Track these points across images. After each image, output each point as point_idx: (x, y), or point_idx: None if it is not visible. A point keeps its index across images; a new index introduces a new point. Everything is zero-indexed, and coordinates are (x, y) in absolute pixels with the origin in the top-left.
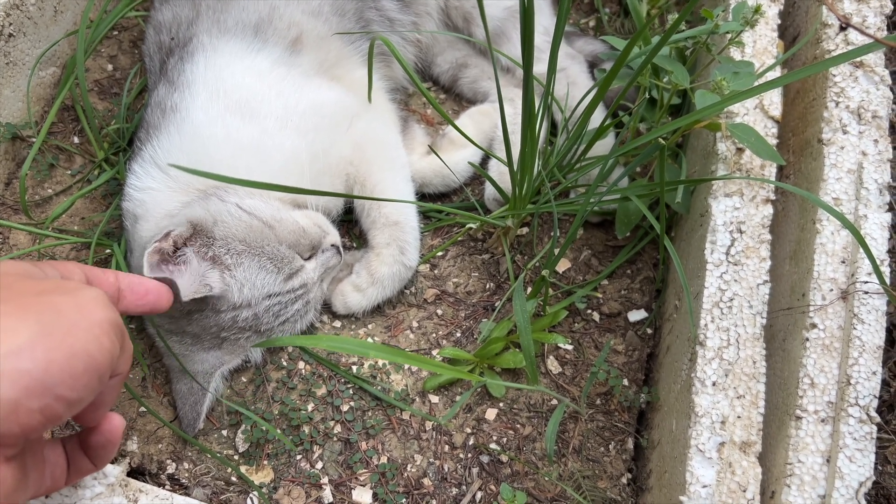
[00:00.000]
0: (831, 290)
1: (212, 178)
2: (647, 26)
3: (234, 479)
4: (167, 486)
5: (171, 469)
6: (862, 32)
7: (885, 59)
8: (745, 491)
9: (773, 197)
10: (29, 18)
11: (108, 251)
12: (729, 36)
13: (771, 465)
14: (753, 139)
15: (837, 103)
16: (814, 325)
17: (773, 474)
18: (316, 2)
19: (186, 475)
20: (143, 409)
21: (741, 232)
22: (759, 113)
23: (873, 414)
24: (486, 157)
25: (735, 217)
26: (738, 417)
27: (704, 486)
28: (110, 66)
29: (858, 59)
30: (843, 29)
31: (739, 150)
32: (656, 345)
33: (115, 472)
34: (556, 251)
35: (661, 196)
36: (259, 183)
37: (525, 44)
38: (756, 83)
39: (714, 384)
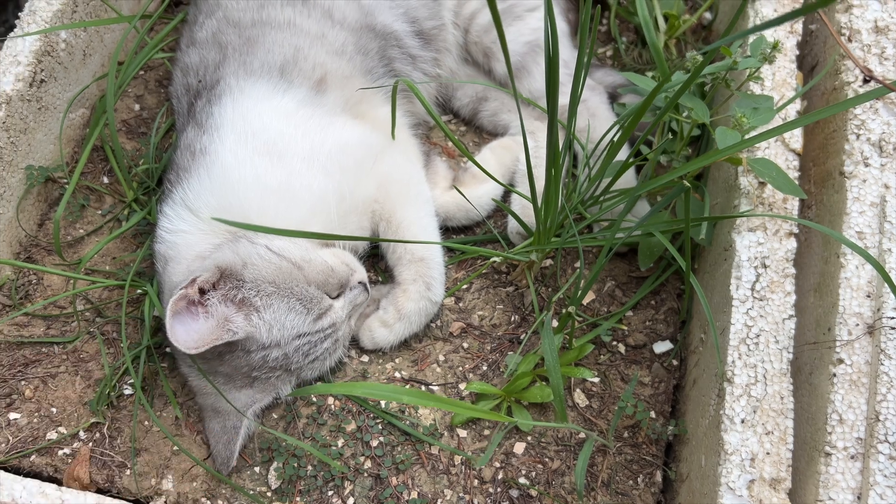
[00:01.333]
0: (857, 324)
1: (250, 228)
2: (668, 76)
3: None
4: None
5: None
6: (884, 84)
7: None
8: None
9: (796, 230)
10: (59, 63)
11: (139, 291)
12: (748, 72)
13: (801, 501)
14: (775, 174)
15: (858, 136)
16: (841, 361)
17: None
18: (339, 41)
19: None
20: (177, 448)
21: (765, 266)
22: (780, 146)
23: None
24: (507, 191)
25: (759, 252)
26: (768, 454)
27: None
28: (137, 106)
29: None
30: (866, 81)
31: (762, 184)
32: (682, 377)
33: None
34: (581, 285)
35: (685, 237)
36: (294, 231)
37: (550, 83)
38: (775, 117)
39: (743, 421)
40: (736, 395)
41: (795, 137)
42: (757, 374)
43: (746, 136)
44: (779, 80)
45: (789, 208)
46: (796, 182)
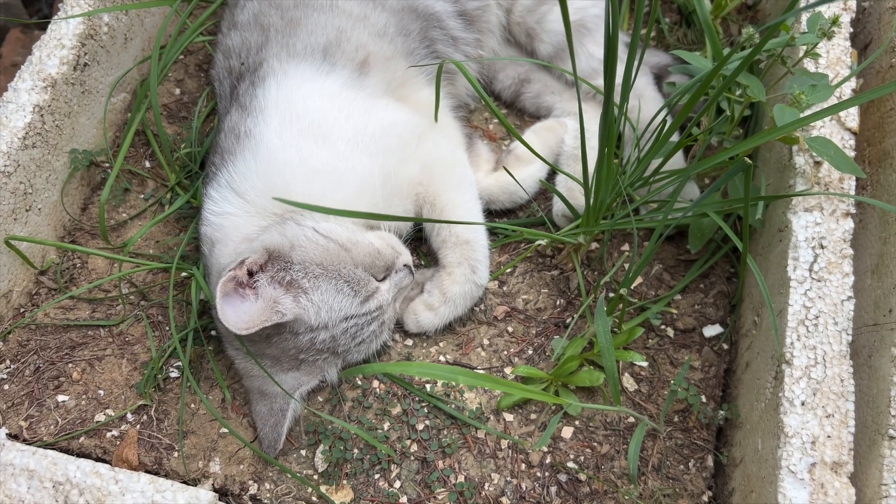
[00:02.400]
0: None
1: (307, 208)
2: (728, 55)
3: (314, 498)
4: None
5: (253, 490)
6: None
7: None
8: None
9: (853, 210)
10: (102, 47)
11: (183, 274)
12: (804, 48)
13: (864, 485)
14: (833, 152)
15: None
16: None
17: (867, 495)
18: (381, 23)
19: (268, 496)
20: (224, 430)
21: (823, 247)
22: (836, 125)
23: None
24: (552, 173)
25: (816, 232)
26: (829, 437)
27: None
28: (178, 91)
29: None
30: None
31: (817, 163)
32: (733, 360)
33: (207, 496)
34: (632, 268)
35: (745, 216)
36: (344, 211)
37: (608, 59)
38: (833, 95)
39: (803, 403)
40: (796, 378)
41: (851, 116)
42: (816, 356)
43: (803, 115)
44: (833, 57)
45: (846, 188)
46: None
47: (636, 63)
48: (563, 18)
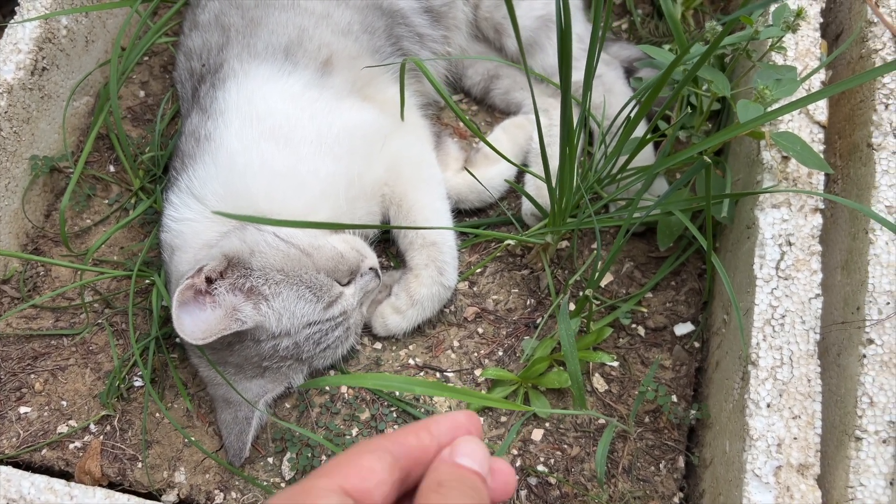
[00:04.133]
0: (888, 303)
1: (255, 221)
2: (686, 49)
3: None
4: None
5: (219, 499)
6: None
7: None
8: None
9: (821, 206)
10: (61, 51)
11: (147, 281)
12: (770, 41)
13: (830, 487)
14: (799, 147)
15: (887, 105)
16: (871, 341)
17: (834, 497)
18: (345, 21)
19: None
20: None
21: (790, 244)
22: (805, 118)
23: None
24: (522, 170)
25: (784, 229)
26: (795, 439)
27: None
28: (142, 93)
29: None
30: None
31: (785, 159)
32: (704, 359)
33: None
34: (599, 267)
35: (707, 214)
36: (300, 222)
37: (562, 56)
38: (800, 88)
39: (769, 406)
40: (761, 379)
41: (820, 109)
42: (783, 357)
43: (769, 109)
44: (802, 49)
45: (814, 183)
46: (821, 156)
47: (596, 57)
48: (510, 17)
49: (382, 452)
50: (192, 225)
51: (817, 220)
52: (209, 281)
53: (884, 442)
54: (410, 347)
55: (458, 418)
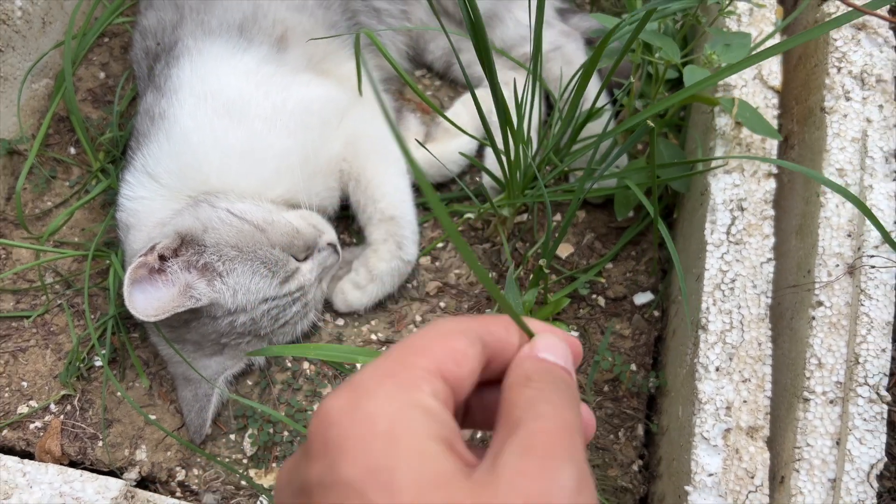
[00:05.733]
0: (837, 265)
1: None
2: (633, 15)
3: (244, 482)
4: (178, 494)
5: (180, 476)
6: (854, 6)
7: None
8: (752, 477)
9: (775, 171)
10: (17, 32)
11: (107, 262)
12: (720, 7)
13: (780, 449)
14: (748, 114)
15: (839, 69)
16: (820, 303)
17: (783, 459)
18: None
19: (196, 481)
20: (151, 417)
21: (742, 209)
22: (759, 84)
23: (884, 393)
24: (483, 145)
25: (735, 194)
26: (745, 402)
27: (710, 475)
28: (102, 74)
29: (860, 21)
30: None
31: (738, 125)
32: (664, 328)
33: (117, 485)
34: (549, 240)
35: (653, 180)
36: None
37: (479, 47)
38: (753, 53)
39: (717, 369)
40: (710, 343)
41: (774, 74)
42: (732, 321)
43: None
44: (758, 15)
45: (768, 148)
46: (776, 121)
47: (554, 27)
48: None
49: (474, 337)
50: (147, 203)
51: (770, 184)
52: (163, 259)
53: (831, 402)
54: (372, 323)
55: (541, 324)
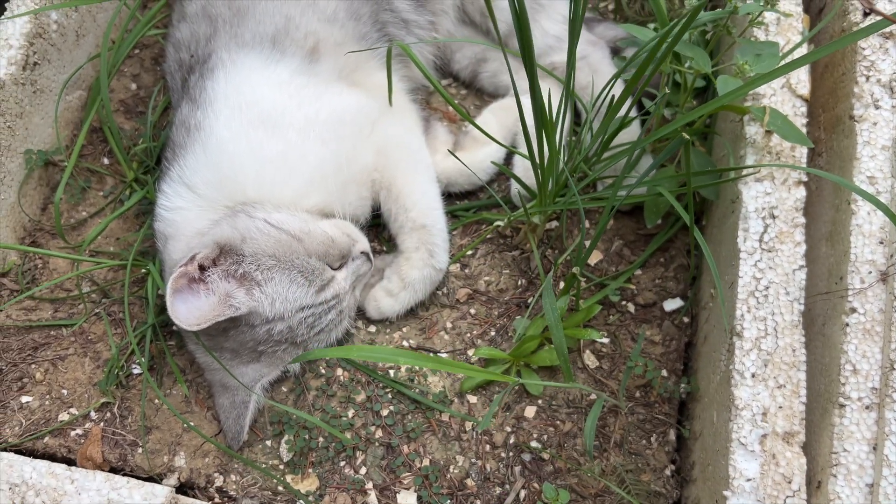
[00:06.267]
0: (870, 272)
1: None
2: (670, 27)
3: (281, 488)
4: (216, 499)
5: (218, 482)
6: (882, 15)
7: None
8: (790, 482)
9: (805, 179)
10: (52, 45)
11: (143, 271)
12: (750, 17)
13: (816, 454)
14: (780, 122)
15: (868, 77)
16: (853, 310)
17: (819, 464)
18: (331, 8)
19: (234, 487)
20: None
21: (774, 217)
22: (787, 92)
23: None
24: (511, 153)
25: (767, 203)
26: (780, 408)
27: (748, 480)
28: (134, 85)
29: (888, 30)
30: (865, 15)
31: (768, 133)
32: (694, 333)
33: (163, 492)
34: (587, 245)
35: (688, 189)
36: None
37: (524, 43)
38: (781, 63)
39: (753, 375)
40: (745, 350)
41: (802, 83)
42: (767, 327)
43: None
44: (784, 24)
45: (797, 156)
46: (804, 129)
47: (580, 36)
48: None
49: None
50: (184, 213)
51: (801, 192)
52: (202, 268)
53: (867, 408)
54: (404, 330)
55: None
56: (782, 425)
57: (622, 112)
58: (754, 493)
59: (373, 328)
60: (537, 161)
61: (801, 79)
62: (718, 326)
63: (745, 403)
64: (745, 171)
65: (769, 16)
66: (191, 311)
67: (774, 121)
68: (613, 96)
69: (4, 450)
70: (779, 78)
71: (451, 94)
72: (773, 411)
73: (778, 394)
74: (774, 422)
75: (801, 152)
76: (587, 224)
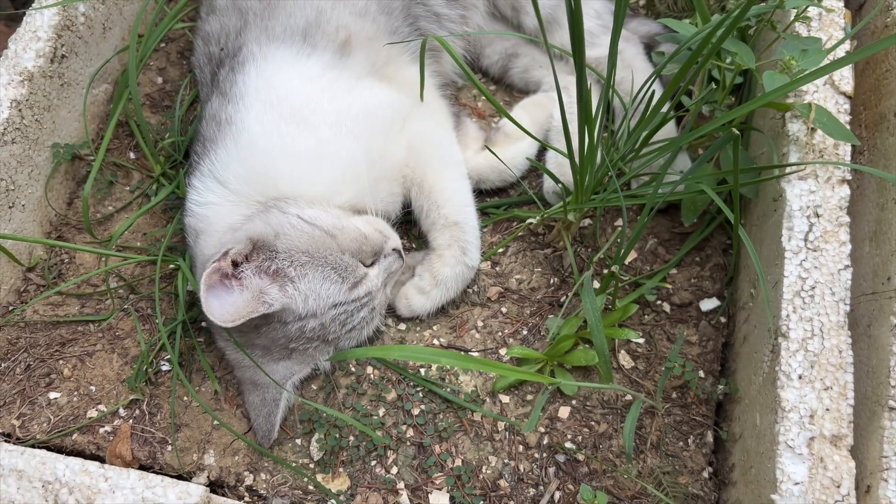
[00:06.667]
0: None
1: None
2: (714, 24)
3: (311, 487)
4: (246, 498)
5: (248, 481)
6: None
7: None
8: (838, 486)
9: (849, 177)
10: (80, 38)
11: (171, 266)
12: (794, 11)
13: (864, 458)
14: (825, 119)
15: None
16: None
17: (868, 468)
18: (362, 2)
19: (264, 486)
20: (217, 422)
21: (818, 216)
22: (830, 89)
23: None
24: (542, 149)
25: (811, 201)
26: (827, 410)
27: (796, 484)
28: (160, 79)
29: None
30: None
31: (811, 130)
32: (731, 334)
33: (198, 491)
34: (623, 244)
35: (734, 187)
36: None
37: (574, 31)
38: (826, 59)
39: (800, 377)
40: (792, 351)
41: (846, 79)
42: (813, 328)
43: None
44: (827, 20)
45: (841, 154)
46: (847, 127)
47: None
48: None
49: None
50: (216, 208)
51: (845, 191)
52: (235, 264)
53: None
54: (434, 328)
55: None
56: (830, 428)
57: (664, 109)
58: (802, 497)
59: (403, 326)
60: (575, 156)
61: (845, 75)
62: (759, 327)
63: (791, 405)
64: (788, 169)
65: (811, 11)
66: (224, 307)
67: (820, 117)
68: (654, 91)
69: (33, 446)
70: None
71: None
72: (821, 414)
73: (825, 396)
74: (822, 424)
75: (845, 150)
76: (619, 222)
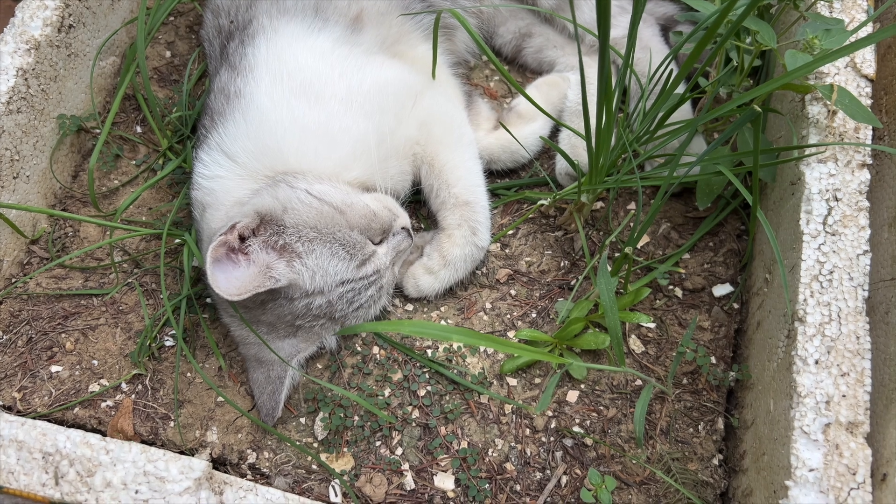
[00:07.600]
0: None
1: None
2: (733, 1)
3: (314, 466)
4: (248, 476)
5: (251, 459)
6: None
7: None
8: (854, 474)
9: (869, 161)
10: (88, 8)
11: (177, 241)
12: None
13: (880, 446)
14: (848, 101)
15: None
16: None
17: (884, 456)
18: None
19: (267, 464)
20: (221, 399)
21: (837, 200)
22: (851, 72)
23: None
24: (554, 130)
25: (831, 184)
26: (844, 396)
27: (811, 470)
28: (168, 53)
29: None
30: None
31: (832, 113)
32: (744, 320)
33: (200, 465)
34: (637, 227)
35: (754, 168)
36: None
37: (601, 9)
38: (849, 40)
39: (817, 362)
40: (809, 335)
41: (868, 62)
42: (831, 313)
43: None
44: (849, 2)
45: (861, 137)
46: (871, 112)
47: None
48: None
49: None
50: (224, 182)
51: (864, 175)
52: (242, 238)
53: None
54: (442, 309)
55: None
56: (846, 415)
57: (679, 89)
58: (818, 483)
59: (410, 306)
60: (592, 137)
61: (867, 58)
62: (774, 312)
63: (808, 391)
64: (808, 152)
65: None
66: (230, 280)
67: (842, 99)
68: (672, 70)
69: (34, 419)
70: (843, 57)
71: (492, 70)
72: (837, 400)
73: (841, 382)
74: (838, 411)
75: (866, 134)
76: (632, 205)
